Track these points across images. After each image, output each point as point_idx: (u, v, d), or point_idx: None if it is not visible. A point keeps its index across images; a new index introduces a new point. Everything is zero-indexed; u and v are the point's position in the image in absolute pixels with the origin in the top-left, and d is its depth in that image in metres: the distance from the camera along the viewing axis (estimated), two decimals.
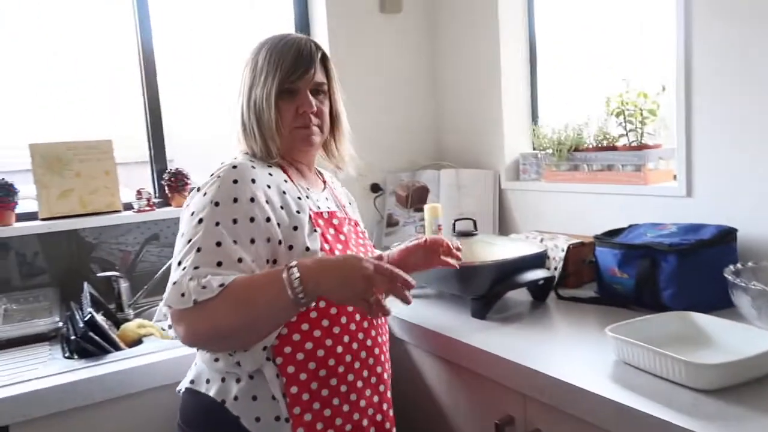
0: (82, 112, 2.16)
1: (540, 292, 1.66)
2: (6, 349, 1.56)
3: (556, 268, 1.75)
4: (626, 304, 1.54)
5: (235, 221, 1.04)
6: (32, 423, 1.29)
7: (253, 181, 1.10)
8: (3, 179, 1.81)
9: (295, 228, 1.12)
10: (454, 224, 1.77)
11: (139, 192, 2.04)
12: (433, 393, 1.55)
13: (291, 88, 1.19)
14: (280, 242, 1.10)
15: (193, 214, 1.06)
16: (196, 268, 0.99)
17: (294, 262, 0.98)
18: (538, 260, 1.62)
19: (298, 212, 1.14)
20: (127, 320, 1.78)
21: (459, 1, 2.39)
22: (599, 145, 1.96)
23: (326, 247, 1.15)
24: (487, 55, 2.28)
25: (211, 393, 1.11)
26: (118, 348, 1.52)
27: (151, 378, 1.41)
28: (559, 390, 1.15)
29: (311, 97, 1.20)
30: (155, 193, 2.17)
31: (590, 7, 2.13)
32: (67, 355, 1.50)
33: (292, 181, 1.21)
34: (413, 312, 1.61)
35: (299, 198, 1.18)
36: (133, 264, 2.00)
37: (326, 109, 1.26)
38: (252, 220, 1.06)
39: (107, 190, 2.02)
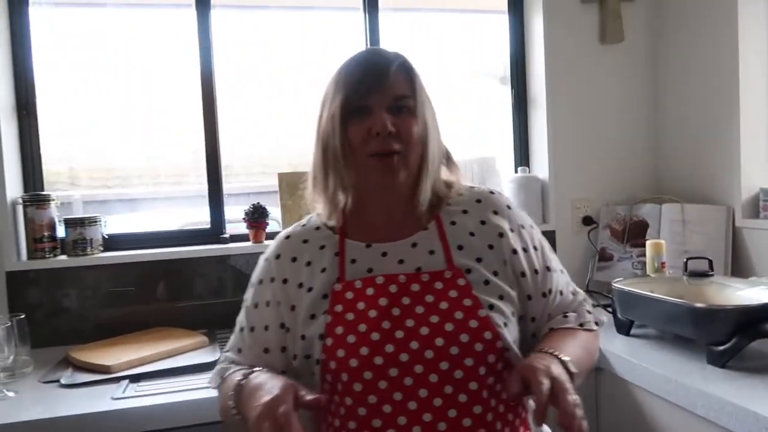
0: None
1: None
2: None
3: None
4: None
5: (256, 306, 1.03)
6: None
7: (278, 257, 1.03)
8: (259, 203, 2.11)
9: (293, 308, 0.99)
10: (685, 263, 1.66)
11: None
12: None
13: (361, 106, 0.93)
14: (284, 327, 1.01)
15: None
16: (226, 351, 1.10)
17: (244, 381, 0.91)
18: None
19: (309, 290, 0.98)
20: None
21: (688, 29, 2.26)
22: None
23: (338, 331, 0.91)
24: (721, 81, 2.11)
25: None
26: None
27: None
28: None
29: (387, 115, 0.93)
30: None
31: None
32: None
33: (341, 248, 0.99)
34: (633, 351, 1.54)
35: (323, 270, 0.98)
36: None
37: (415, 130, 0.95)
38: (267, 304, 1.02)
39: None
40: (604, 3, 2.33)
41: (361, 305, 0.92)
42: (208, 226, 2.18)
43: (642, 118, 2.43)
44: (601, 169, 2.39)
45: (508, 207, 1.04)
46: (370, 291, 0.93)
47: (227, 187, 2.25)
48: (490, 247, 0.98)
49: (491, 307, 0.92)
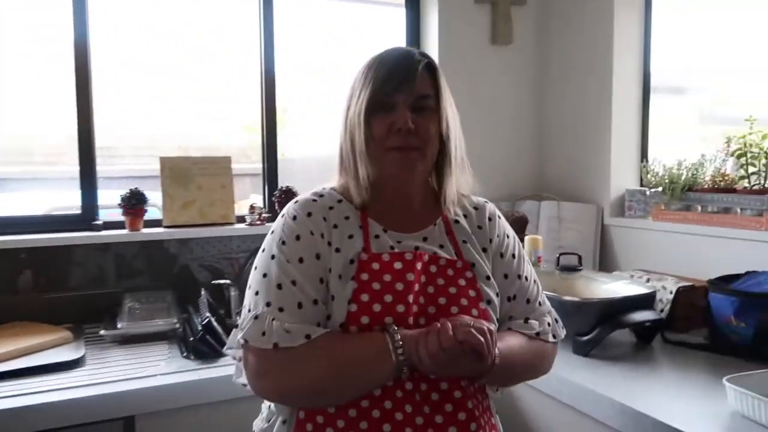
0: (202, 121, 2.33)
1: (646, 334, 1.61)
2: (130, 345, 1.71)
3: (662, 311, 1.69)
4: (741, 354, 1.47)
5: (301, 260, 0.97)
6: (155, 415, 1.40)
7: (309, 214, 1.01)
8: (137, 188, 1.98)
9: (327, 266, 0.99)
10: (558, 258, 1.75)
11: (252, 207, 2.17)
12: (531, 428, 1.53)
13: (386, 102, 1.00)
14: (323, 281, 0.98)
15: (264, 250, 1.01)
16: (268, 305, 0.93)
17: (394, 327, 0.92)
18: (647, 301, 1.57)
19: (338, 251, 0.99)
20: (234, 326, 1.89)
21: (571, 33, 2.39)
22: (716, 186, 1.88)
23: (363, 298, 0.94)
24: (598, 86, 2.26)
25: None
26: None
27: None
28: None
29: (409, 113, 1.00)
30: (266, 208, 2.30)
31: (714, 45, 2.06)
32: (185, 354, 1.62)
33: (365, 223, 1.03)
34: None
35: (350, 236, 1.01)
36: (240, 273, 2.13)
37: (433, 128, 1.02)
38: (318, 257, 0.98)
39: (223, 203, 2.16)
40: (496, 5, 2.42)
41: (387, 277, 0.97)
42: (79, 211, 2.02)
43: (527, 118, 2.55)
44: (488, 166, 2.47)
45: (498, 217, 1.13)
46: (398, 265, 0.98)
47: (110, 169, 2.10)
48: (484, 250, 1.07)
49: (489, 302, 1.01)
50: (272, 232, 1.02)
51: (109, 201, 2.06)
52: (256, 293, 0.95)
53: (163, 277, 2.05)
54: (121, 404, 1.38)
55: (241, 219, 2.20)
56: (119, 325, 1.74)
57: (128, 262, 1.99)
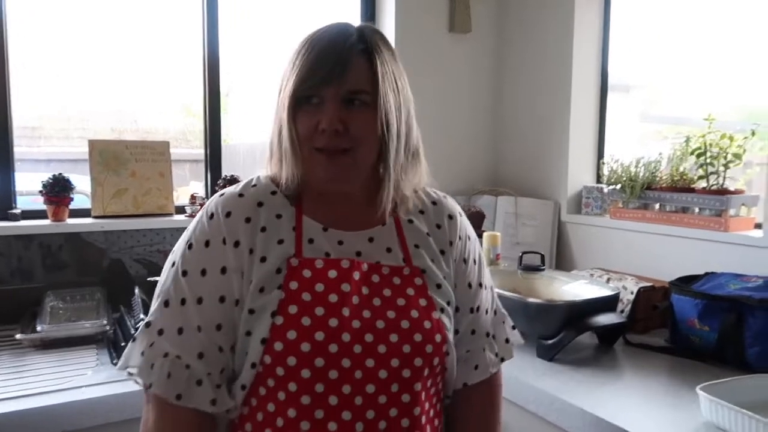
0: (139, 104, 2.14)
1: (609, 336, 1.57)
2: (52, 350, 1.52)
3: (623, 311, 1.66)
4: (704, 358, 1.45)
5: (203, 272, 0.85)
6: None
7: (228, 215, 0.87)
8: (61, 174, 1.78)
9: (242, 276, 0.86)
10: (521, 257, 1.69)
11: (192, 197, 2.00)
12: None
13: (311, 96, 0.86)
14: (237, 299, 0.85)
15: (176, 247, 0.89)
16: (160, 332, 0.83)
17: None
18: (612, 303, 1.53)
19: (263, 260, 0.86)
20: None
21: (531, 23, 2.33)
22: (674, 185, 1.86)
23: (291, 310, 0.82)
24: (557, 81, 2.21)
25: None
26: None
27: None
28: None
29: (336, 110, 0.84)
30: (208, 197, 2.13)
31: (676, 41, 2.05)
32: (115, 361, 1.45)
33: (299, 222, 0.89)
34: None
35: (280, 241, 0.87)
36: None
37: (369, 125, 0.86)
38: (223, 271, 0.85)
39: (161, 192, 1.99)
40: None
41: (319, 287, 0.84)
42: None
43: (485, 110, 2.48)
44: (443, 159, 2.39)
45: (460, 214, 1.01)
46: (332, 273, 0.86)
47: (35, 151, 1.87)
48: (442, 252, 0.95)
49: (442, 310, 0.90)
50: (191, 226, 0.89)
51: (34, 186, 1.85)
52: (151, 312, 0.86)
53: (91, 273, 1.85)
54: (41, 422, 1.20)
55: (180, 209, 2.03)
56: (39, 328, 1.55)
57: (52, 255, 1.79)
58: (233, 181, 2.05)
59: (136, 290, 1.67)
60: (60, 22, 1.95)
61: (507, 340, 1.02)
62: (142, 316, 1.50)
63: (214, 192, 2.08)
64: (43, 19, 1.91)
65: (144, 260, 1.93)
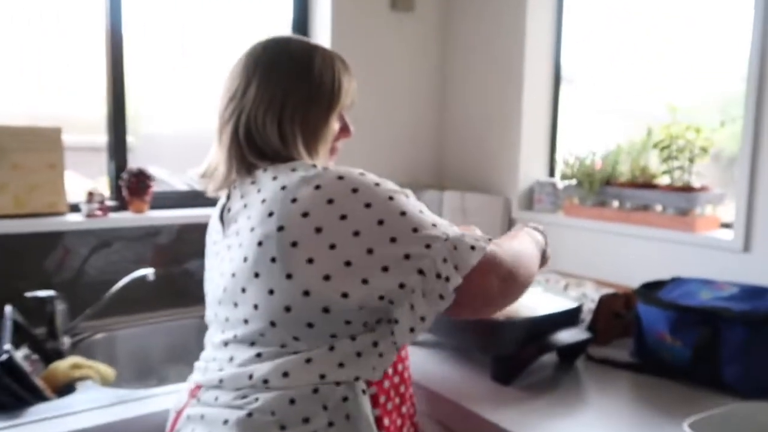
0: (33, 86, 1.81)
1: (570, 353, 1.39)
2: None
3: (583, 320, 1.49)
4: (677, 376, 1.29)
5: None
6: None
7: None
8: None
9: None
10: None
11: (90, 194, 1.69)
12: None
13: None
14: None
15: (391, 198, 0.88)
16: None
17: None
18: (574, 317, 1.35)
19: None
20: (60, 353, 1.44)
21: (480, 3, 2.13)
22: (635, 181, 1.71)
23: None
24: (508, 66, 2.02)
25: None
26: (41, 398, 1.17)
27: None
28: None
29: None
30: (112, 194, 1.83)
31: (634, 31, 1.89)
32: None
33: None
34: (420, 367, 1.32)
35: None
36: (72, 280, 1.65)
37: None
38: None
39: (51, 187, 1.67)
40: None
41: None
42: None
43: (430, 97, 2.27)
44: (384, 149, 2.17)
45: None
46: None
47: None
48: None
49: None
50: (381, 192, 0.87)
51: None
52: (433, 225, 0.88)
53: None
54: None
55: (75, 208, 1.72)
56: None
57: None
58: (142, 174, 1.76)
59: (7, 310, 1.35)
60: None
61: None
62: (7, 347, 1.18)
63: (118, 187, 1.80)
64: None
65: (27, 271, 1.61)
